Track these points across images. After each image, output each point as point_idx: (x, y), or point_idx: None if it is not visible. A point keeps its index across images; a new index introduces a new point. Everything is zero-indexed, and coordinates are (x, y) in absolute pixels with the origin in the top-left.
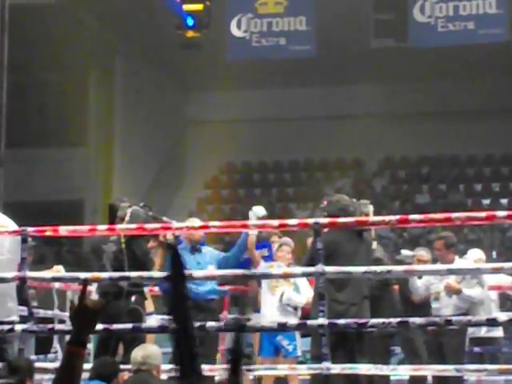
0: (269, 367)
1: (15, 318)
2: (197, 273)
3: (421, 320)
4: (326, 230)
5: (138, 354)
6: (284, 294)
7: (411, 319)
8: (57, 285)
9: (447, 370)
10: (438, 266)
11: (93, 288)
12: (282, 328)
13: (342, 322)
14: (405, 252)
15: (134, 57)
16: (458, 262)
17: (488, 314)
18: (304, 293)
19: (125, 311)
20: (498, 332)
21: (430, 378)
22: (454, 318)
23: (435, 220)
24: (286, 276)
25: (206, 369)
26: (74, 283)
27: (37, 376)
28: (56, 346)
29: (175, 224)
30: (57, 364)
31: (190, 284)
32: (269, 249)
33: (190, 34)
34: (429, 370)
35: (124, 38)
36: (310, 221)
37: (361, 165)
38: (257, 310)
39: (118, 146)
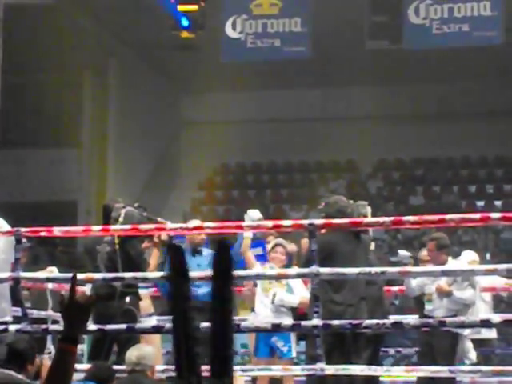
0: (263, 368)
1: (8, 318)
2: (192, 274)
3: (415, 321)
4: (323, 231)
5: (132, 354)
6: (276, 296)
7: (405, 320)
8: (50, 285)
9: (441, 371)
10: (432, 268)
11: (86, 289)
12: (276, 329)
13: (336, 322)
14: (402, 252)
15: (128, 57)
16: (451, 264)
17: (476, 315)
18: (297, 293)
19: (119, 312)
20: (492, 333)
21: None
22: (447, 320)
23: (429, 221)
24: (280, 277)
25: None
26: (68, 284)
27: None
28: (50, 346)
29: (170, 225)
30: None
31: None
32: (263, 248)
33: (185, 34)
34: (422, 372)
35: (118, 39)
36: (305, 222)
37: (355, 167)
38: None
39: (112, 147)
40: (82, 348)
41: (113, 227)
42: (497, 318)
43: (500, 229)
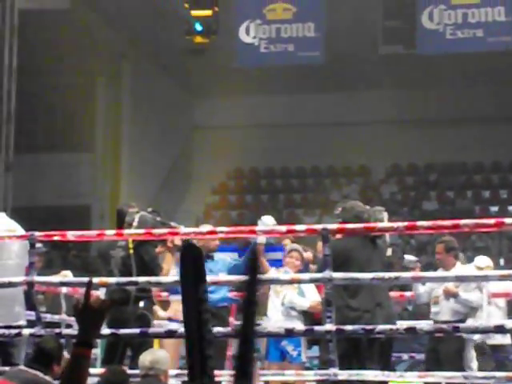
0: (277, 373)
1: (23, 322)
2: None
3: (428, 327)
4: (338, 236)
5: (145, 358)
6: (286, 297)
7: (419, 325)
8: (64, 289)
9: (455, 376)
10: (446, 273)
11: (100, 293)
12: (289, 333)
13: (349, 328)
14: (408, 257)
15: (142, 62)
16: (460, 268)
17: (486, 319)
18: (309, 297)
19: (133, 317)
20: (506, 339)
21: None
22: (461, 325)
23: (443, 227)
24: (293, 282)
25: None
26: (82, 288)
27: None
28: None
29: (183, 229)
30: None
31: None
32: (282, 252)
33: (199, 39)
34: (436, 377)
35: (132, 44)
36: (318, 227)
37: (368, 172)
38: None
39: (125, 152)
40: (96, 352)
41: (126, 232)
42: (511, 323)
43: None
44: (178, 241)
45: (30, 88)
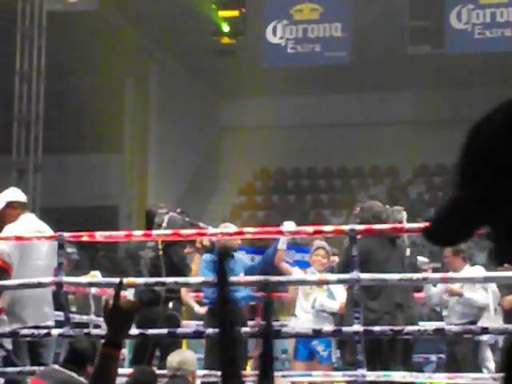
0: (304, 373)
1: (51, 322)
2: (233, 278)
3: (457, 328)
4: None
5: (173, 359)
6: (316, 300)
7: (447, 327)
8: (93, 290)
9: (483, 378)
10: (474, 274)
11: (128, 294)
12: (317, 334)
13: (377, 329)
14: (421, 259)
15: (169, 63)
16: (468, 270)
17: (494, 320)
18: (338, 299)
19: (163, 317)
20: None
21: None
22: (490, 326)
23: None
24: (321, 282)
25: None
26: (110, 288)
27: None
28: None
29: (211, 230)
30: None
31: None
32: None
33: (226, 40)
34: (465, 378)
35: (160, 45)
36: (346, 227)
37: (395, 172)
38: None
39: (152, 152)
40: (124, 352)
41: (154, 232)
42: None
43: None
44: (206, 241)
45: (58, 89)
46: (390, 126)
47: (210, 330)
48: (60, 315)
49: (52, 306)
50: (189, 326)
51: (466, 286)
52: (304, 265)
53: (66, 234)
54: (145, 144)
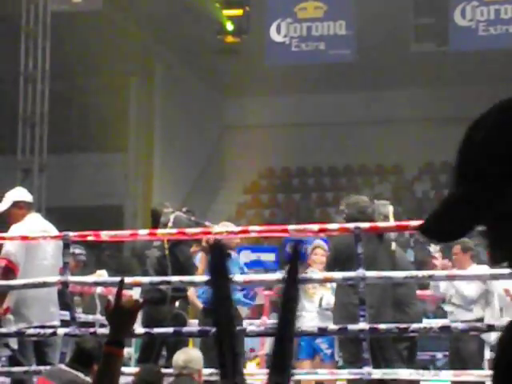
0: (310, 372)
1: (57, 322)
2: (236, 277)
3: (463, 325)
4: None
5: (179, 358)
6: (323, 299)
7: (454, 324)
8: (99, 289)
9: (488, 375)
10: (480, 271)
11: (134, 293)
12: (323, 332)
13: (382, 326)
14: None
15: (173, 63)
16: (475, 268)
17: (500, 320)
18: None
19: (169, 316)
20: None
21: None
22: (496, 323)
23: None
24: (326, 280)
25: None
26: (115, 287)
27: None
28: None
29: (216, 228)
30: None
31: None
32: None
33: (230, 39)
34: (471, 376)
35: (164, 44)
36: (351, 225)
37: (400, 170)
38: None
39: (157, 152)
40: (130, 351)
41: (159, 231)
42: None
43: None
44: (212, 240)
45: (63, 89)
46: (395, 123)
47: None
48: (66, 315)
49: (58, 306)
50: (195, 324)
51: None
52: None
53: (72, 234)
54: (150, 143)
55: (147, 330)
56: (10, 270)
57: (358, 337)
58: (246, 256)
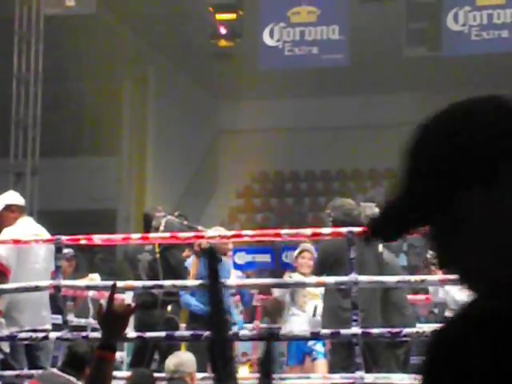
0: (303, 376)
1: (48, 326)
2: (229, 281)
3: None
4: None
5: (170, 362)
6: (317, 309)
7: None
8: (91, 293)
9: None
10: None
11: (126, 297)
12: (315, 336)
13: (375, 331)
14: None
15: (167, 66)
16: None
17: None
18: None
19: (161, 321)
20: None
21: None
22: None
23: None
24: (318, 285)
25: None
26: (108, 291)
27: None
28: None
29: (209, 233)
30: None
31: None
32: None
33: (223, 43)
34: None
35: (157, 48)
36: (344, 230)
37: (394, 174)
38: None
39: (150, 155)
40: (122, 355)
41: (152, 235)
42: None
43: None
44: (204, 244)
45: (55, 92)
46: (388, 128)
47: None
48: (58, 318)
49: (49, 310)
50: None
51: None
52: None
53: (64, 238)
54: (143, 147)
55: (139, 334)
56: (1, 274)
57: (351, 341)
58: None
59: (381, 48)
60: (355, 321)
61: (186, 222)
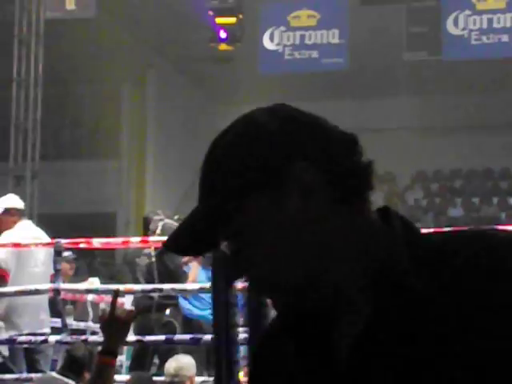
0: None
1: (47, 330)
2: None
3: None
4: None
5: (170, 366)
6: None
7: None
8: (90, 297)
9: None
10: None
11: (125, 300)
12: None
13: None
14: None
15: (166, 70)
16: None
17: None
18: None
19: (159, 324)
20: None
21: None
22: None
23: None
24: None
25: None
26: (107, 295)
27: None
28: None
29: None
30: None
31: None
32: None
33: (223, 47)
34: None
35: (157, 52)
36: None
37: (393, 178)
38: None
39: (150, 159)
40: (121, 359)
41: (151, 239)
42: None
43: None
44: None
45: (55, 96)
46: (387, 132)
47: (207, 337)
48: (57, 322)
49: (48, 313)
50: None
51: None
52: None
53: (64, 241)
54: (142, 150)
55: (139, 337)
56: (0, 277)
57: None
58: None
59: (381, 52)
60: None
61: None
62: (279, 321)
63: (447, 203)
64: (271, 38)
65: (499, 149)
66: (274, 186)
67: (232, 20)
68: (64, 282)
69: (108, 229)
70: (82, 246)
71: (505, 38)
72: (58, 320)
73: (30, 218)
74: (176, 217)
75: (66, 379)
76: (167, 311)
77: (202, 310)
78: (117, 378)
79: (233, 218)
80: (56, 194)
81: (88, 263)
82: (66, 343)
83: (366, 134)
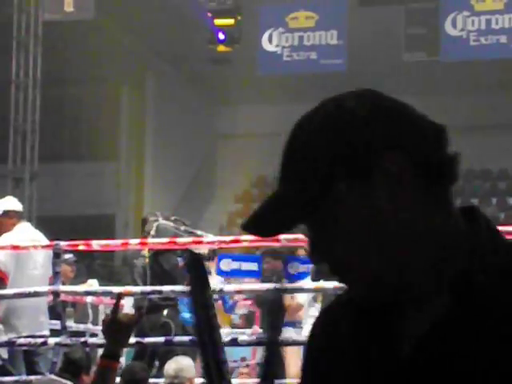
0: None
1: (46, 332)
2: (227, 287)
3: None
4: None
5: (170, 367)
6: None
7: None
8: (89, 299)
9: None
10: None
11: (124, 302)
12: None
13: None
14: None
15: (165, 71)
16: None
17: None
18: None
19: (156, 325)
20: None
21: None
22: None
23: None
24: (317, 290)
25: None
26: (107, 297)
27: None
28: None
29: (207, 238)
30: None
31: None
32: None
33: (222, 48)
34: None
35: (155, 53)
36: None
37: None
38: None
39: (149, 160)
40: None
41: (150, 240)
42: None
43: None
44: (203, 250)
45: (54, 98)
46: None
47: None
48: (57, 324)
49: (47, 316)
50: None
51: None
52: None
53: (63, 243)
54: (141, 152)
55: (138, 339)
56: None
57: None
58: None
59: (379, 53)
60: None
61: (183, 227)
62: (346, 299)
63: None
64: (270, 40)
65: (498, 149)
66: (361, 175)
67: (230, 21)
68: (65, 284)
69: (107, 231)
70: (81, 248)
71: (503, 38)
72: (58, 322)
73: (29, 220)
74: (173, 218)
75: (63, 381)
76: (164, 312)
77: None
78: (118, 380)
79: (319, 205)
80: (55, 196)
81: (87, 265)
82: (66, 345)
83: None
